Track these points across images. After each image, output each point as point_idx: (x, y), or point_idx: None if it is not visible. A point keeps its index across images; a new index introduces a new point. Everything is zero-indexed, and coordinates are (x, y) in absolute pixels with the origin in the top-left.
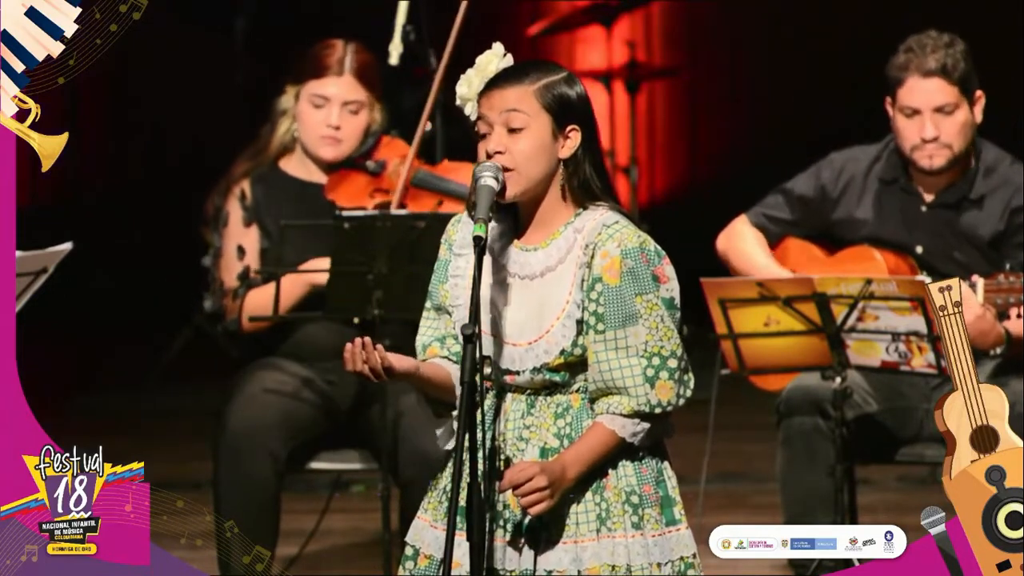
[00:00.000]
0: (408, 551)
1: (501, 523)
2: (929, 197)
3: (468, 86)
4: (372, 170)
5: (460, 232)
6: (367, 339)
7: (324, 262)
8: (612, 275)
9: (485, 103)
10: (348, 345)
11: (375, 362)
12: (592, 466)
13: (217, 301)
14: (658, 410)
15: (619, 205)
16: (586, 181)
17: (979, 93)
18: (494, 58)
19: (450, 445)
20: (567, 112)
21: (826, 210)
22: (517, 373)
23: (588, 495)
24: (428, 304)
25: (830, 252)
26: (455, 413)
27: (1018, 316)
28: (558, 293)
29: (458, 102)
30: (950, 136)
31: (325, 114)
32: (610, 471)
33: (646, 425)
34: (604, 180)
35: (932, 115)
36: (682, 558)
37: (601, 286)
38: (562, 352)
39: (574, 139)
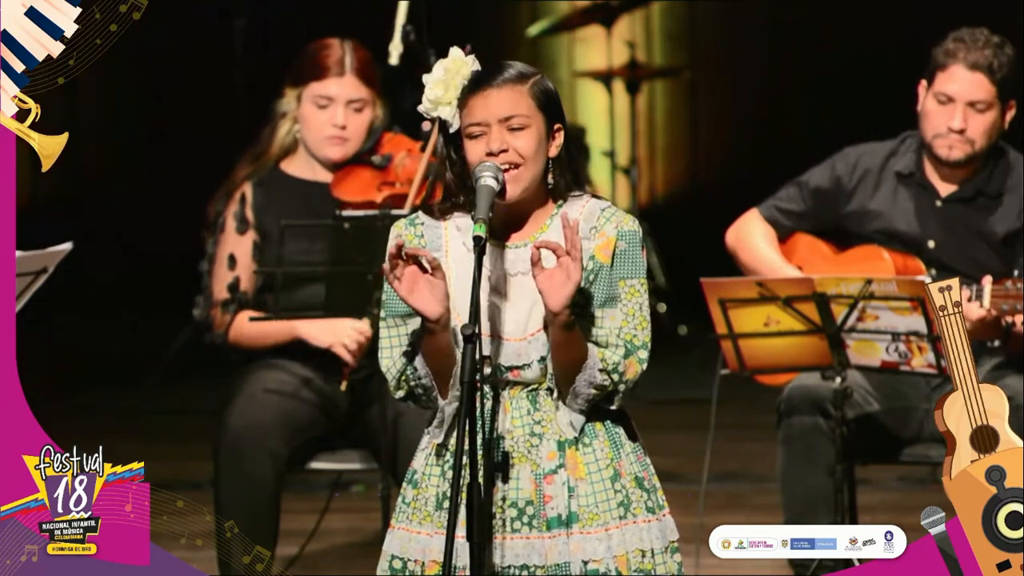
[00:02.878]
0: (396, 564)
1: (525, 520)
2: (944, 192)
3: (444, 89)
4: (378, 164)
5: (428, 234)
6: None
7: (312, 324)
8: (604, 254)
9: (480, 105)
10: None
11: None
12: (573, 338)
13: (205, 311)
14: (615, 377)
15: (596, 192)
16: (569, 180)
17: (1012, 102)
18: (463, 63)
19: (440, 439)
20: (554, 112)
21: (840, 202)
22: (522, 367)
23: (608, 483)
24: (384, 314)
25: (839, 249)
26: (444, 403)
27: None
28: None
29: (426, 107)
30: (976, 132)
31: (330, 114)
32: (622, 456)
33: (604, 380)
34: (580, 173)
35: (964, 108)
36: (672, 542)
37: (593, 263)
38: None
39: (559, 139)
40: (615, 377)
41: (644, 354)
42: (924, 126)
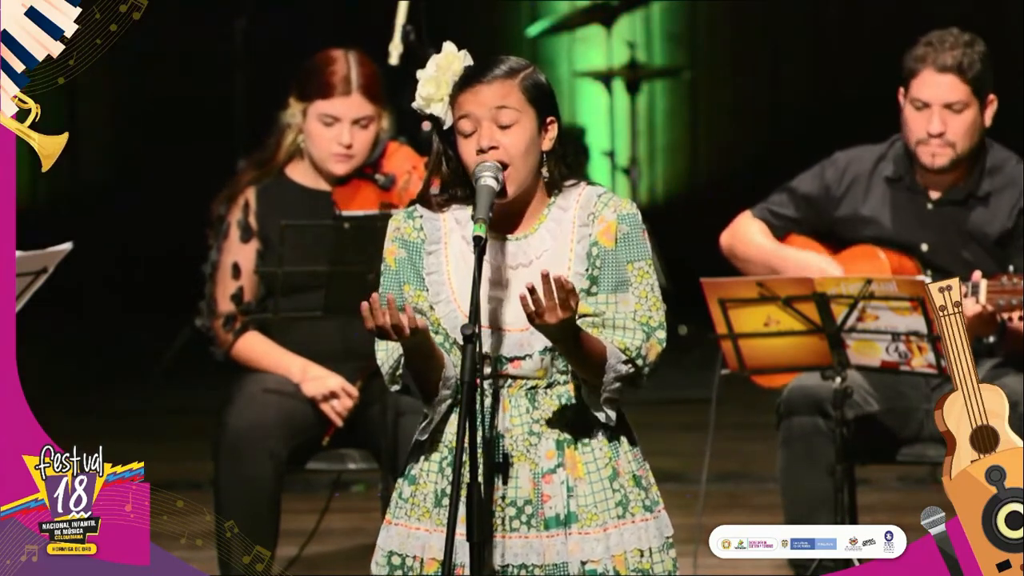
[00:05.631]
0: (395, 560)
1: (524, 519)
2: (935, 195)
3: (436, 86)
4: (382, 184)
5: (426, 227)
6: (390, 296)
7: (304, 369)
8: (608, 239)
9: (470, 100)
10: (365, 304)
11: (397, 319)
12: (581, 348)
13: (208, 321)
14: (639, 362)
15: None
16: (564, 171)
17: (991, 97)
18: (455, 58)
19: (424, 437)
20: (546, 104)
21: (830, 209)
22: (523, 358)
23: (607, 483)
24: None
25: (834, 250)
26: (436, 399)
27: (1021, 318)
28: (557, 269)
29: (419, 104)
30: (956, 134)
31: (336, 132)
32: (620, 455)
33: (629, 370)
34: (575, 164)
35: (941, 111)
36: (667, 538)
37: (597, 249)
38: None
39: (552, 131)
40: (639, 363)
41: (662, 334)
42: (906, 133)
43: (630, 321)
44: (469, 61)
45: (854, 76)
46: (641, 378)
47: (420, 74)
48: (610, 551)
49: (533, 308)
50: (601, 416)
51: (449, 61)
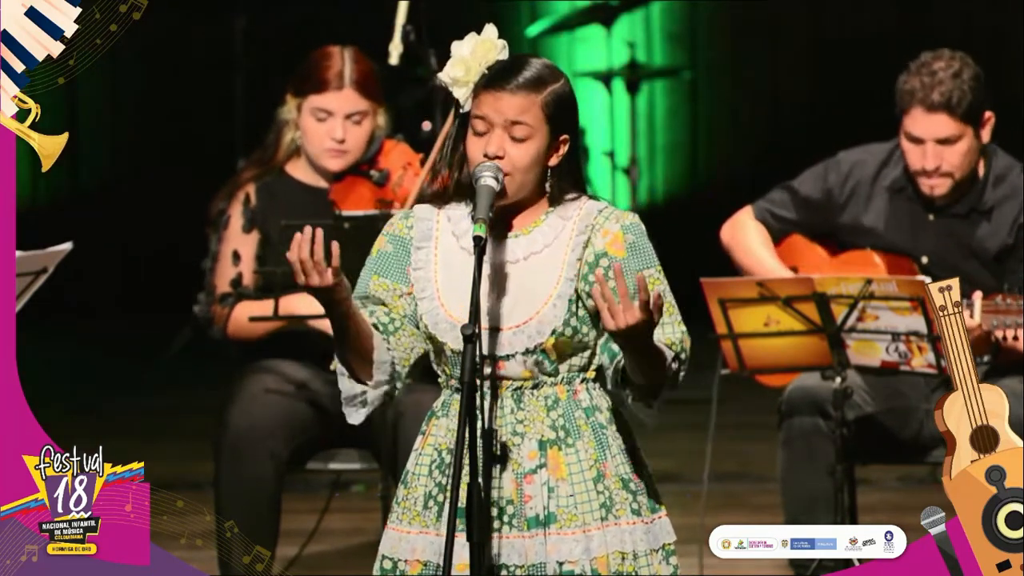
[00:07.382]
0: (386, 564)
1: (506, 519)
2: (937, 206)
3: (466, 71)
4: (376, 180)
5: (417, 227)
6: (319, 230)
7: (305, 301)
8: (617, 248)
9: (489, 103)
10: (297, 234)
11: (320, 258)
12: (652, 356)
13: (206, 306)
14: (683, 356)
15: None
16: (566, 188)
17: (988, 115)
18: (492, 47)
19: (357, 420)
20: (564, 122)
21: (831, 214)
22: (506, 357)
23: (591, 484)
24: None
25: (833, 253)
26: (371, 384)
27: (1014, 338)
28: (548, 274)
29: (447, 81)
30: (951, 165)
31: (329, 127)
32: (609, 457)
33: (679, 367)
34: (581, 179)
35: (934, 146)
36: (664, 545)
37: (607, 260)
38: (554, 332)
39: (563, 149)
40: (683, 356)
41: (687, 339)
42: (906, 159)
43: (665, 316)
44: (506, 55)
45: (854, 75)
46: (682, 373)
47: (454, 48)
48: (591, 553)
49: (610, 315)
50: (645, 417)
51: (486, 49)
